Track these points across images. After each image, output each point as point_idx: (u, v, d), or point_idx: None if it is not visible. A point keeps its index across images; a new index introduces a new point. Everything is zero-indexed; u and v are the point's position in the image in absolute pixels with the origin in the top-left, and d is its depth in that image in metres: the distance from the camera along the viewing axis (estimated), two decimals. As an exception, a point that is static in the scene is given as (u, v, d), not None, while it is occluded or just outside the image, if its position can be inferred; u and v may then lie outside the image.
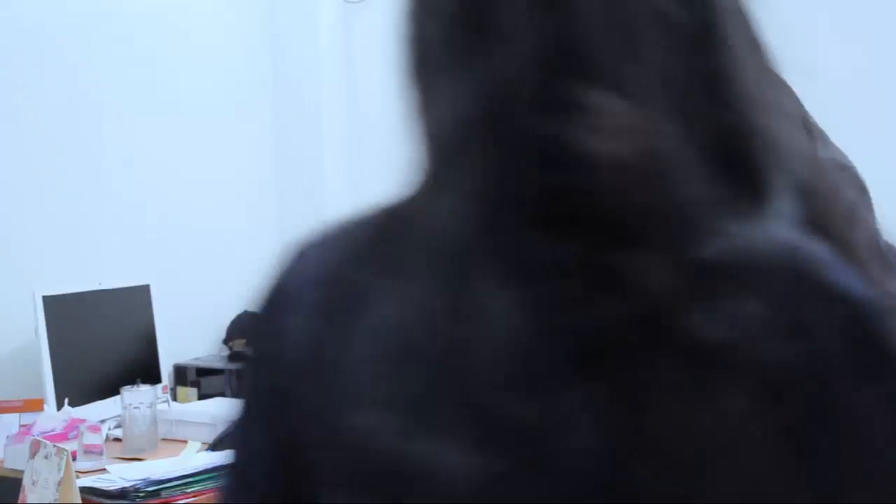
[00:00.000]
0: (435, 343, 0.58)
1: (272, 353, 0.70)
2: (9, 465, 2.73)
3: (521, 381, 0.58)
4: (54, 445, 1.98)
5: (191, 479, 2.32)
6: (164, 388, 3.46)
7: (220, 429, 2.91)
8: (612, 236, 0.56)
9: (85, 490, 2.14)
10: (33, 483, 1.97)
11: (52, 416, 2.85)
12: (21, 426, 2.95)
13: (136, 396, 2.94)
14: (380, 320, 0.62)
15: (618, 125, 0.58)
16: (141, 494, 2.25)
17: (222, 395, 3.64)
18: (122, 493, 2.25)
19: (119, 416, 3.04)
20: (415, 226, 0.63)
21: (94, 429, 2.76)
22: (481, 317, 0.57)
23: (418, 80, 0.70)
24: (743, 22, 0.69)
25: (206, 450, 2.64)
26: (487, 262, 0.57)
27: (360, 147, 4.37)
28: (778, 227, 0.63)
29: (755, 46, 0.69)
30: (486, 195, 0.58)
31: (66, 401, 2.98)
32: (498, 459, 0.59)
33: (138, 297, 3.50)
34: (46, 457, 1.96)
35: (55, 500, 1.91)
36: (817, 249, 0.63)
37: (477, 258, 0.57)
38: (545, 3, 0.62)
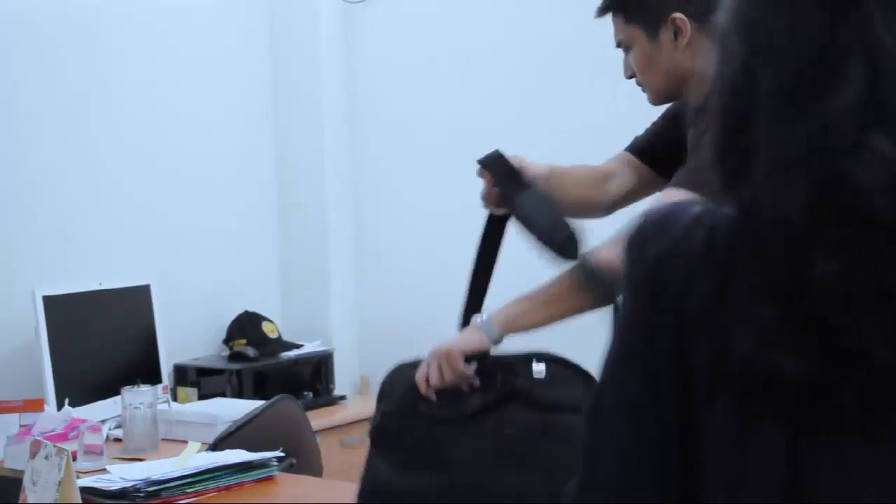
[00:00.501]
0: (792, 287, 0.90)
1: (673, 301, 0.97)
2: (9, 465, 2.73)
3: (841, 304, 0.89)
4: (54, 445, 1.98)
5: (191, 479, 2.32)
6: (165, 388, 3.47)
7: (220, 429, 2.91)
8: (885, 233, 0.88)
9: (85, 490, 2.14)
10: (33, 483, 1.96)
11: (53, 417, 2.85)
12: (21, 426, 2.95)
13: (137, 396, 2.94)
14: (752, 284, 0.92)
15: (883, 163, 0.87)
16: (141, 494, 2.24)
17: (222, 395, 3.65)
18: (122, 493, 2.25)
19: (119, 416, 3.04)
20: (760, 219, 0.92)
21: (95, 429, 2.76)
22: (814, 271, 0.88)
23: (738, 116, 0.95)
24: None
25: (207, 450, 2.64)
26: (814, 242, 0.88)
27: (360, 147, 4.37)
28: None
29: None
30: (810, 205, 0.89)
31: (67, 401, 2.98)
32: (826, 363, 0.89)
33: (138, 297, 3.50)
34: (47, 457, 1.96)
35: (55, 500, 1.91)
36: None
37: (809, 241, 0.89)
38: (868, 66, 0.89)
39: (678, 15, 2.13)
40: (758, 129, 0.93)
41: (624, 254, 1.03)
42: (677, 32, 2.14)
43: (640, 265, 1.01)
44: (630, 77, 2.26)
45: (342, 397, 3.97)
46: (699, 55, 2.14)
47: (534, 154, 4.21)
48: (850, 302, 0.89)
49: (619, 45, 2.28)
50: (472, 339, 2.10)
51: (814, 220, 0.90)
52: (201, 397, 3.66)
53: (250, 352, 3.87)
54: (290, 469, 2.49)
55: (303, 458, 2.67)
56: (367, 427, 3.67)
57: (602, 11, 2.29)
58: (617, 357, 1.01)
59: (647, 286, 1.00)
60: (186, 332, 3.86)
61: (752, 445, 0.93)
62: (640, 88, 2.26)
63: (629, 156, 2.55)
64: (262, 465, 2.44)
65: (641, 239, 1.02)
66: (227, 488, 2.37)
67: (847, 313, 0.89)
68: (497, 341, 2.10)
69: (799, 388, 0.90)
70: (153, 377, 3.39)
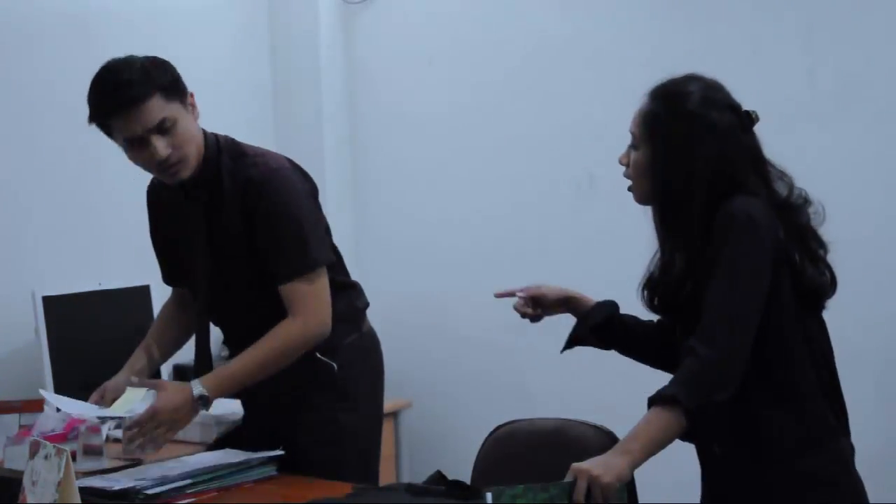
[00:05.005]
0: (780, 231, 2.00)
1: (773, 232, 1.95)
2: (9, 465, 2.73)
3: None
4: (54, 446, 1.98)
5: (191, 480, 2.32)
6: (165, 388, 3.46)
7: (220, 429, 2.91)
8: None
9: (85, 490, 2.14)
10: (33, 483, 1.96)
11: (52, 417, 2.85)
12: (21, 427, 2.95)
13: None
14: (772, 230, 1.97)
15: None
16: (140, 495, 2.25)
17: (222, 395, 3.64)
18: (122, 494, 2.25)
19: (119, 416, 3.04)
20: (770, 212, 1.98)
21: (94, 429, 2.76)
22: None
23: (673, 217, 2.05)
24: None
25: (206, 450, 2.65)
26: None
27: (360, 147, 4.37)
28: None
29: None
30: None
31: (67, 401, 2.98)
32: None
33: (138, 297, 3.50)
34: (46, 457, 1.96)
35: (55, 500, 1.91)
36: None
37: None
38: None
39: (191, 92, 2.50)
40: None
41: (753, 227, 1.91)
42: (192, 108, 2.51)
43: (765, 229, 1.93)
44: (168, 157, 2.46)
45: (342, 397, 3.96)
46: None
47: (533, 153, 4.22)
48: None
49: (159, 127, 2.44)
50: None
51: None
52: (201, 397, 3.65)
53: (250, 352, 3.86)
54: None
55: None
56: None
57: (134, 101, 2.41)
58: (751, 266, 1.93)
59: (764, 229, 1.93)
60: (186, 332, 3.85)
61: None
62: (178, 168, 2.47)
63: (173, 293, 2.85)
64: (261, 465, 2.44)
65: (757, 214, 1.93)
66: (227, 488, 2.37)
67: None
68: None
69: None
70: (153, 377, 3.39)
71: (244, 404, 2.72)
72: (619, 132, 3.75)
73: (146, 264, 3.67)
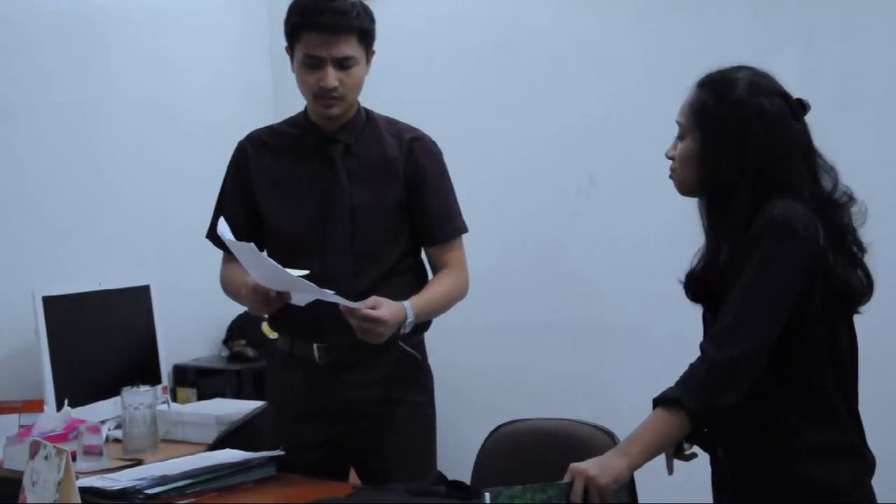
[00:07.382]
0: (820, 238, 1.94)
1: (811, 240, 1.91)
2: (9, 465, 2.74)
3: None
4: (54, 446, 1.98)
5: (190, 480, 2.32)
6: (164, 388, 3.47)
7: (219, 429, 2.91)
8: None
9: (85, 491, 2.13)
10: (33, 484, 1.96)
11: (52, 417, 2.85)
12: (21, 427, 2.95)
13: (136, 397, 2.94)
14: (819, 234, 1.93)
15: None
16: (140, 495, 2.25)
17: (222, 395, 3.64)
18: (122, 494, 2.25)
19: (119, 416, 3.05)
20: (812, 216, 1.94)
21: (94, 429, 2.76)
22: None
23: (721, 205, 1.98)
24: None
25: (206, 450, 2.64)
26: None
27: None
28: None
29: None
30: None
31: (66, 401, 2.98)
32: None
33: (138, 298, 3.50)
34: (46, 457, 1.96)
35: (55, 500, 1.91)
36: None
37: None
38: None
39: (373, 49, 2.61)
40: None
41: (789, 234, 1.88)
42: (369, 60, 2.66)
43: (802, 237, 1.89)
44: (333, 89, 2.55)
45: (342, 397, 3.97)
46: None
47: (533, 153, 4.22)
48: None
49: (341, 62, 2.55)
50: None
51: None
52: (201, 398, 3.66)
53: (249, 352, 3.87)
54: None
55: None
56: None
57: (337, 30, 2.53)
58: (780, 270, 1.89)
59: (806, 235, 1.90)
60: (186, 332, 3.86)
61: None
62: (335, 102, 2.58)
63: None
64: (261, 465, 2.44)
65: (797, 223, 1.89)
66: (227, 488, 2.37)
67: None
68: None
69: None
70: (153, 378, 3.40)
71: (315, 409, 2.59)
72: (619, 132, 3.78)
73: (146, 264, 3.70)
